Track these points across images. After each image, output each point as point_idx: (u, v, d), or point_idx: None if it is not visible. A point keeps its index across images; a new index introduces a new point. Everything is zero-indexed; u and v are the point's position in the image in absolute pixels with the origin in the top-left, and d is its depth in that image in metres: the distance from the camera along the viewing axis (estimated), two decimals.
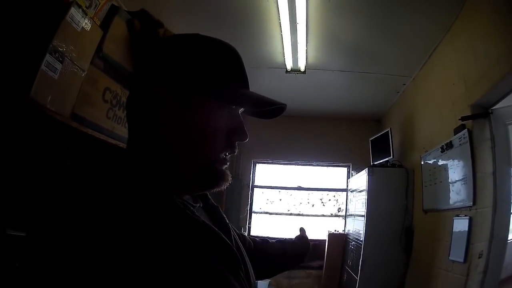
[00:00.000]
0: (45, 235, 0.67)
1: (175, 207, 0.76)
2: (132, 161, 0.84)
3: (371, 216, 4.31)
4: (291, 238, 1.61)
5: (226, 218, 1.03)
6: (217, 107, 0.85)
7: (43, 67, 1.52)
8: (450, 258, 2.91)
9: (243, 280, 0.82)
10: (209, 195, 1.05)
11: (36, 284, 0.62)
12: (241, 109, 0.92)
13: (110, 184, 0.74)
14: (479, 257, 2.53)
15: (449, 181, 3.13)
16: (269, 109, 0.89)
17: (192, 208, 0.84)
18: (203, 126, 0.83)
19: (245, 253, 0.97)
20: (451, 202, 3.08)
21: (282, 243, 1.53)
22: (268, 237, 1.54)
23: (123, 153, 0.90)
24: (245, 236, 1.38)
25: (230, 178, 0.89)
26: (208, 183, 0.87)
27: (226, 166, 0.90)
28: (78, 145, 2.21)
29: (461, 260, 2.71)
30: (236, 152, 0.91)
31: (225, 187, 0.89)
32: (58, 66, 1.61)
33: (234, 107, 0.89)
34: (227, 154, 0.89)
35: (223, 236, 0.80)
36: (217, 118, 0.85)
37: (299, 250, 1.54)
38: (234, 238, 0.96)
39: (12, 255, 1.59)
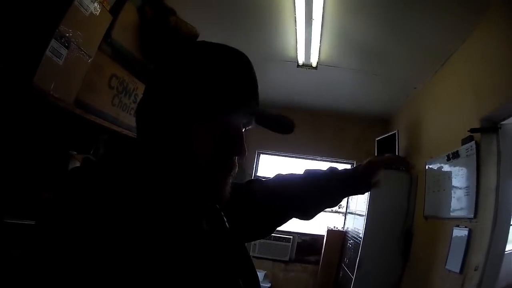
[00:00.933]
0: (49, 224, 0.68)
1: (177, 210, 0.78)
2: (144, 166, 0.82)
3: (371, 215, 4.33)
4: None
5: (226, 222, 1.00)
6: (218, 124, 0.83)
7: (48, 52, 1.50)
8: (447, 267, 2.93)
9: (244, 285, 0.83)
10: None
11: (32, 271, 0.63)
12: (246, 124, 0.91)
13: (123, 188, 0.73)
14: (475, 270, 2.54)
15: (452, 190, 3.13)
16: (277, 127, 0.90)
17: (195, 211, 0.85)
18: (204, 145, 0.81)
19: (250, 258, 0.98)
20: (452, 211, 3.09)
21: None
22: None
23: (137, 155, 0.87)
24: (254, 182, 1.32)
25: (225, 194, 0.87)
26: (206, 194, 0.85)
27: (227, 178, 0.87)
28: (83, 132, 2.22)
29: (457, 270, 2.73)
30: (235, 168, 0.88)
31: (227, 200, 0.87)
32: (64, 51, 1.58)
33: (237, 125, 0.87)
34: (226, 165, 0.86)
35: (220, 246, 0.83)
36: (214, 135, 0.83)
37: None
38: (236, 243, 0.96)
39: (10, 243, 1.61)
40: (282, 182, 1.32)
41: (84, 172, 0.78)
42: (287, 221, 1.33)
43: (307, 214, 1.35)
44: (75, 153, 2.11)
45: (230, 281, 0.81)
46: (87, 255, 0.61)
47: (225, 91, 0.82)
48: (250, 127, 0.92)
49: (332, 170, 1.35)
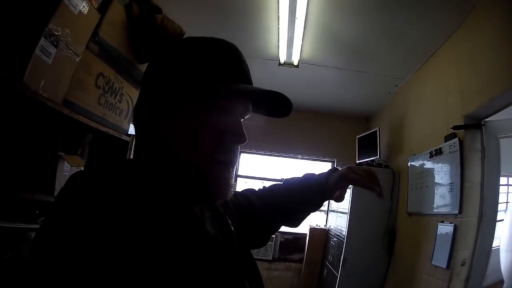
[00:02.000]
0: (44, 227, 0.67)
1: (175, 213, 0.76)
2: (139, 169, 0.82)
3: (354, 213, 4.35)
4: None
5: (231, 225, 0.98)
6: (203, 111, 0.79)
7: (37, 51, 1.48)
8: (433, 263, 2.97)
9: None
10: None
11: (26, 273, 0.63)
12: (243, 112, 0.87)
13: (114, 194, 0.70)
14: (462, 265, 2.58)
15: (436, 186, 3.18)
16: (269, 102, 0.88)
17: (197, 215, 0.84)
18: (187, 132, 0.78)
19: (253, 259, 0.96)
20: (436, 207, 3.14)
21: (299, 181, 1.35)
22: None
23: (132, 159, 0.88)
24: (247, 195, 1.27)
25: (232, 188, 0.83)
26: (201, 191, 0.80)
27: (224, 171, 0.81)
28: (70, 132, 2.19)
29: (444, 266, 2.77)
30: (236, 156, 0.84)
31: (228, 197, 0.82)
32: (53, 50, 1.57)
33: (227, 107, 0.82)
34: (221, 156, 0.80)
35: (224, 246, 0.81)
36: (201, 122, 0.79)
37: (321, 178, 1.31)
38: (240, 246, 0.94)
39: (2, 246, 1.57)
40: (271, 194, 1.31)
41: (85, 180, 0.74)
42: (277, 230, 1.34)
43: (295, 223, 1.35)
44: (63, 153, 2.08)
45: (237, 283, 0.80)
46: (91, 261, 0.59)
47: (218, 73, 0.81)
48: (247, 115, 0.90)
49: (307, 178, 1.34)
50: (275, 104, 0.89)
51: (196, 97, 0.78)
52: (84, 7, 1.70)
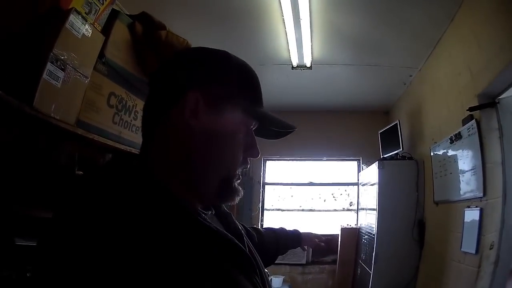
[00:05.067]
0: (52, 240, 0.67)
1: (185, 214, 0.75)
2: (148, 166, 0.83)
3: (382, 209, 4.30)
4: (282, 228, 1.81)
5: (238, 224, 1.03)
6: (242, 123, 0.88)
7: (45, 76, 1.51)
8: (462, 249, 2.90)
9: (258, 284, 0.82)
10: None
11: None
12: (254, 127, 0.94)
13: (123, 190, 0.72)
14: (490, 248, 2.51)
15: (459, 172, 3.11)
16: (279, 131, 0.97)
17: (204, 215, 0.83)
18: (231, 140, 0.86)
19: (259, 258, 0.97)
20: (461, 193, 3.07)
21: (273, 232, 1.70)
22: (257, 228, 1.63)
23: (136, 159, 0.88)
24: (249, 231, 1.40)
25: (241, 193, 0.91)
26: (225, 197, 0.88)
27: (239, 181, 0.91)
28: (87, 152, 2.23)
29: (473, 251, 2.71)
30: (246, 168, 0.93)
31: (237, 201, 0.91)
32: (60, 74, 1.59)
33: (251, 124, 0.91)
34: (241, 168, 0.91)
35: (237, 241, 0.80)
36: (241, 133, 0.88)
37: (291, 237, 1.78)
38: (248, 244, 0.96)
39: (22, 265, 1.61)
40: (268, 236, 1.60)
41: (90, 191, 0.75)
42: None
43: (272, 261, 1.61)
44: (81, 173, 2.12)
45: (249, 279, 0.80)
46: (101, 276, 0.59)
47: (242, 84, 0.89)
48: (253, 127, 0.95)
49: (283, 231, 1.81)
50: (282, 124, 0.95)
51: (245, 110, 0.87)
52: (87, 31, 1.73)
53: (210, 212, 0.93)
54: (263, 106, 0.94)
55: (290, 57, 4.30)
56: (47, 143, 1.93)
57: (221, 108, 0.84)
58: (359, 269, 5.08)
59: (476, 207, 2.76)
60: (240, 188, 0.90)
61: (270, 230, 1.70)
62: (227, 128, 0.85)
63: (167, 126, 0.85)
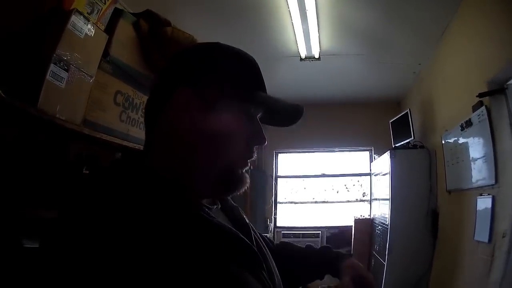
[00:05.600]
0: (57, 239, 0.67)
1: (188, 209, 0.76)
2: (149, 164, 0.83)
3: (395, 199, 4.27)
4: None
5: (246, 219, 1.01)
6: (238, 111, 0.86)
7: (48, 77, 1.52)
8: (475, 238, 2.86)
9: (265, 280, 0.81)
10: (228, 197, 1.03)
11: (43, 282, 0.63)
12: (259, 114, 0.93)
13: (125, 187, 0.73)
14: (503, 237, 2.46)
15: (471, 159, 3.06)
16: (286, 113, 0.95)
17: (208, 210, 0.82)
18: (226, 129, 0.84)
19: (268, 253, 0.96)
20: (473, 181, 3.02)
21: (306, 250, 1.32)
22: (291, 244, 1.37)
23: (139, 156, 0.89)
24: (272, 241, 1.32)
25: (248, 181, 0.89)
26: (228, 188, 0.88)
27: (246, 169, 0.90)
28: (95, 151, 2.24)
29: (486, 240, 2.66)
30: (255, 156, 0.91)
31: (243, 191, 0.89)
32: (64, 74, 1.61)
33: (252, 111, 0.90)
34: (246, 157, 0.89)
35: (241, 235, 0.79)
36: (238, 122, 0.86)
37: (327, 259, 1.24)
38: (255, 238, 0.94)
39: (30, 267, 1.61)
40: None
41: (95, 190, 0.75)
42: None
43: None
44: (88, 172, 2.13)
45: (255, 274, 0.79)
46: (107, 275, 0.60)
47: (231, 73, 0.88)
48: (259, 115, 0.94)
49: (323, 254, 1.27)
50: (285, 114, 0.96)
51: (233, 97, 0.85)
52: (90, 30, 1.74)
53: (215, 207, 0.92)
54: (265, 91, 0.92)
55: (298, 49, 4.28)
56: (54, 144, 1.94)
57: (213, 100, 0.84)
58: (373, 260, 5.06)
59: (489, 194, 2.72)
60: (247, 177, 0.89)
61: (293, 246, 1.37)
62: (222, 120, 0.84)
63: (163, 123, 0.85)
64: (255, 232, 0.98)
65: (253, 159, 0.91)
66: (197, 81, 0.84)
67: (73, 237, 0.64)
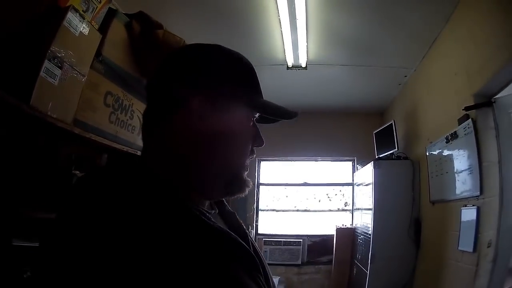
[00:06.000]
0: (57, 242, 0.67)
1: (189, 213, 0.76)
2: (152, 169, 0.83)
3: (378, 209, 4.30)
4: None
5: (243, 224, 1.02)
6: (245, 115, 0.90)
7: (42, 73, 1.52)
8: (460, 248, 2.91)
9: (262, 285, 0.81)
10: (225, 202, 1.05)
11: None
12: (256, 117, 0.95)
13: (125, 192, 0.72)
14: (488, 246, 2.52)
15: (455, 171, 3.13)
16: (282, 118, 0.96)
17: (207, 214, 0.82)
18: (237, 134, 0.87)
19: (263, 258, 0.96)
20: (458, 192, 3.08)
21: None
22: None
23: (139, 160, 0.89)
24: None
25: (251, 184, 0.92)
26: (235, 190, 0.89)
27: (247, 172, 0.92)
28: (84, 152, 2.22)
29: (470, 250, 2.71)
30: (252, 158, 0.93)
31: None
32: (58, 72, 1.60)
33: (255, 115, 0.93)
34: (248, 160, 0.92)
35: (241, 240, 0.80)
36: (245, 126, 0.90)
37: None
38: (252, 243, 0.95)
39: (20, 265, 1.59)
40: None
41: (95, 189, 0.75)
42: None
43: None
44: (78, 172, 2.11)
45: (253, 278, 0.80)
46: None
47: (241, 79, 0.90)
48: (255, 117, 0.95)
49: None
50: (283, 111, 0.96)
51: (248, 105, 0.89)
52: (84, 28, 1.74)
53: (213, 211, 0.93)
54: (262, 95, 0.94)
55: (285, 57, 4.29)
56: (45, 143, 1.92)
57: (224, 106, 0.86)
58: (355, 269, 5.09)
59: (473, 205, 2.77)
60: (249, 180, 0.91)
61: None
62: (233, 124, 0.86)
63: (172, 130, 0.85)
64: (251, 238, 0.99)
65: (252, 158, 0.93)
66: (209, 87, 0.85)
67: (74, 240, 0.64)
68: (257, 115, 0.94)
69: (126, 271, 0.60)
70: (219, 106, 0.85)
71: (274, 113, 0.92)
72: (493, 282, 2.43)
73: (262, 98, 0.94)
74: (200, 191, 0.86)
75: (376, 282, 4.12)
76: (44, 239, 0.71)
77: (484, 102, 2.72)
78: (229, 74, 0.88)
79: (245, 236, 0.95)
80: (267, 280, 0.87)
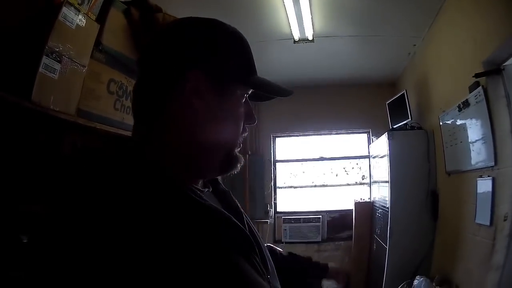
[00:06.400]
0: (52, 235, 0.69)
1: (181, 193, 0.76)
2: (150, 157, 0.82)
3: (395, 181, 4.22)
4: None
5: (237, 202, 1.02)
6: (240, 93, 0.89)
7: (41, 69, 1.53)
8: (477, 221, 2.82)
9: (258, 264, 0.80)
10: (219, 180, 1.05)
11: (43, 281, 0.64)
12: (249, 94, 0.95)
13: (117, 175, 0.74)
14: (505, 220, 2.42)
15: (469, 141, 3.03)
16: (276, 95, 0.96)
17: (199, 193, 0.83)
18: (234, 112, 0.88)
19: (260, 237, 0.96)
20: (473, 162, 2.98)
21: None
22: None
23: (130, 142, 0.89)
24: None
25: (242, 160, 0.93)
26: (228, 167, 0.91)
27: (239, 149, 0.93)
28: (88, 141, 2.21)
29: (487, 223, 2.63)
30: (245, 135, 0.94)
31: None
32: (57, 66, 1.61)
33: (248, 92, 0.92)
34: (241, 137, 0.93)
35: (234, 219, 0.79)
36: (241, 105, 0.90)
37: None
38: (247, 222, 0.95)
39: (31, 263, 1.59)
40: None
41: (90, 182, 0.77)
42: None
43: None
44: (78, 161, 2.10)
45: (248, 258, 0.79)
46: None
47: (239, 56, 0.89)
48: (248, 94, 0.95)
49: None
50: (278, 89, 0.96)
51: (244, 83, 0.89)
52: (81, 21, 1.74)
53: (206, 190, 0.93)
54: (256, 72, 0.93)
55: (291, 31, 4.22)
56: (49, 136, 1.92)
57: (222, 83, 0.85)
58: (374, 244, 5.04)
59: (488, 176, 2.68)
60: (241, 156, 0.93)
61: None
62: (230, 102, 0.87)
63: (168, 107, 0.84)
64: (246, 217, 0.99)
65: (244, 136, 0.94)
66: (205, 62, 0.84)
67: (64, 234, 0.66)
68: (249, 92, 0.93)
69: (126, 262, 0.61)
70: (214, 82, 0.84)
71: (269, 90, 0.92)
72: (509, 258, 2.33)
73: (257, 75, 0.92)
74: (194, 169, 0.87)
75: (396, 257, 4.07)
76: (41, 234, 0.75)
77: (494, 69, 2.60)
78: (225, 49, 0.87)
79: (240, 214, 0.95)
80: (264, 260, 0.87)
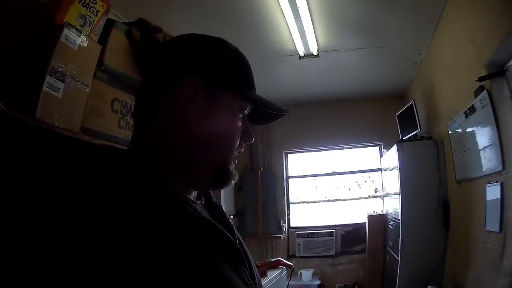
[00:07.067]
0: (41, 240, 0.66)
1: (175, 203, 0.75)
2: (151, 162, 0.82)
3: (405, 192, 4.18)
4: None
5: (228, 217, 1.01)
6: (237, 108, 0.88)
7: (45, 88, 1.56)
8: (487, 228, 2.76)
9: (247, 278, 0.79)
10: (211, 194, 1.04)
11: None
12: (247, 112, 0.94)
13: (112, 183, 0.72)
14: None
15: (477, 147, 2.98)
16: (273, 114, 0.96)
17: (193, 204, 0.83)
18: (228, 125, 0.87)
19: (248, 251, 0.95)
20: (481, 169, 2.93)
21: None
22: None
23: (127, 150, 0.89)
24: None
25: (237, 177, 0.92)
26: (221, 182, 0.89)
27: (234, 165, 0.92)
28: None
29: (497, 230, 2.57)
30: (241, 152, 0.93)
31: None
32: (60, 85, 1.64)
33: (246, 109, 0.92)
34: (236, 153, 0.92)
35: (227, 233, 0.78)
36: (238, 119, 0.89)
37: None
38: (238, 236, 0.94)
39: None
40: None
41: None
42: None
43: None
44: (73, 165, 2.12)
45: (238, 271, 0.78)
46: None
47: (236, 68, 0.90)
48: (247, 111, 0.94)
49: None
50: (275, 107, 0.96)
51: (241, 95, 0.88)
52: (82, 42, 1.77)
53: (199, 202, 0.93)
54: (255, 91, 0.93)
55: (295, 47, 4.24)
56: (53, 152, 1.95)
57: (218, 93, 0.85)
58: (388, 257, 4.97)
59: (497, 182, 2.63)
60: (236, 172, 0.91)
61: None
62: (225, 113, 0.86)
63: (163, 112, 0.84)
64: (237, 232, 0.98)
65: (240, 153, 0.93)
66: (206, 73, 0.84)
67: (54, 235, 0.63)
68: (247, 109, 0.92)
69: (111, 265, 0.59)
70: (211, 91, 0.84)
71: (265, 106, 0.91)
72: None
73: (255, 92, 0.93)
74: (187, 179, 0.86)
75: (407, 267, 4.01)
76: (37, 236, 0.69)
77: (497, 71, 2.58)
78: (225, 62, 0.88)
79: (230, 228, 0.94)
80: (252, 274, 0.86)
